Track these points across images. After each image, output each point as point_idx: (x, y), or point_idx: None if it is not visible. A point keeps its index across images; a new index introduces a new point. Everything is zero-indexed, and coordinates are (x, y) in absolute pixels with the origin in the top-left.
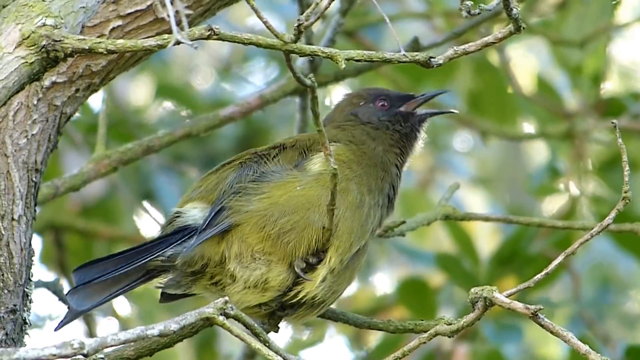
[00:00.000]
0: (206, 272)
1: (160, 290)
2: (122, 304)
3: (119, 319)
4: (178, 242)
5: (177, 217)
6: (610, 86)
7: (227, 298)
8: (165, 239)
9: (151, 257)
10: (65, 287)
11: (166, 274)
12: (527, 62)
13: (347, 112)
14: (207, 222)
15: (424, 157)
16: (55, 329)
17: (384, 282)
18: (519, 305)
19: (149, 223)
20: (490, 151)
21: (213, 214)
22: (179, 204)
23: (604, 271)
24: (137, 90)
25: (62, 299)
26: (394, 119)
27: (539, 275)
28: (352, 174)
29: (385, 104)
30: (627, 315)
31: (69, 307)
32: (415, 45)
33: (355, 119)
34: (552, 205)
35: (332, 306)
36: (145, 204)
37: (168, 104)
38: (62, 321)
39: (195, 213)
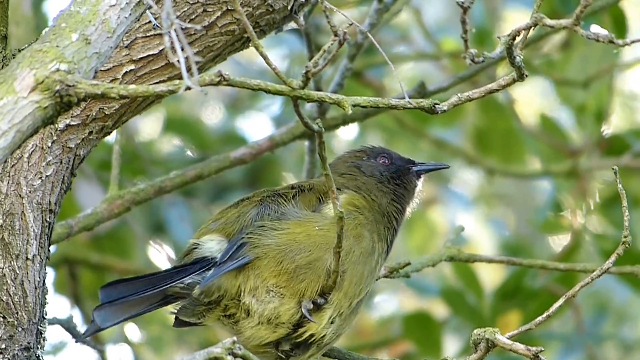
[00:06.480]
0: (221, 304)
1: (174, 315)
2: (132, 330)
3: (130, 345)
4: (197, 272)
5: (195, 248)
6: (614, 124)
7: (235, 338)
8: (185, 267)
9: (172, 284)
10: (78, 324)
11: (182, 300)
12: (532, 100)
13: (350, 164)
14: (228, 255)
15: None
16: (81, 337)
17: (387, 309)
18: (520, 347)
19: (159, 256)
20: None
21: (235, 247)
22: (197, 234)
23: (600, 298)
24: (147, 123)
25: (75, 335)
26: (395, 174)
27: (540, 318)
28: (365, 220)
29: (386, 161)
30: (625, 342)
31: (92, 321)
32: (421, 89)
33: (358, 171)
34: (556, 241)
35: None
36: (154, 241)
37: (177, 141)
38: (85, 333)
39: (212, 245)
